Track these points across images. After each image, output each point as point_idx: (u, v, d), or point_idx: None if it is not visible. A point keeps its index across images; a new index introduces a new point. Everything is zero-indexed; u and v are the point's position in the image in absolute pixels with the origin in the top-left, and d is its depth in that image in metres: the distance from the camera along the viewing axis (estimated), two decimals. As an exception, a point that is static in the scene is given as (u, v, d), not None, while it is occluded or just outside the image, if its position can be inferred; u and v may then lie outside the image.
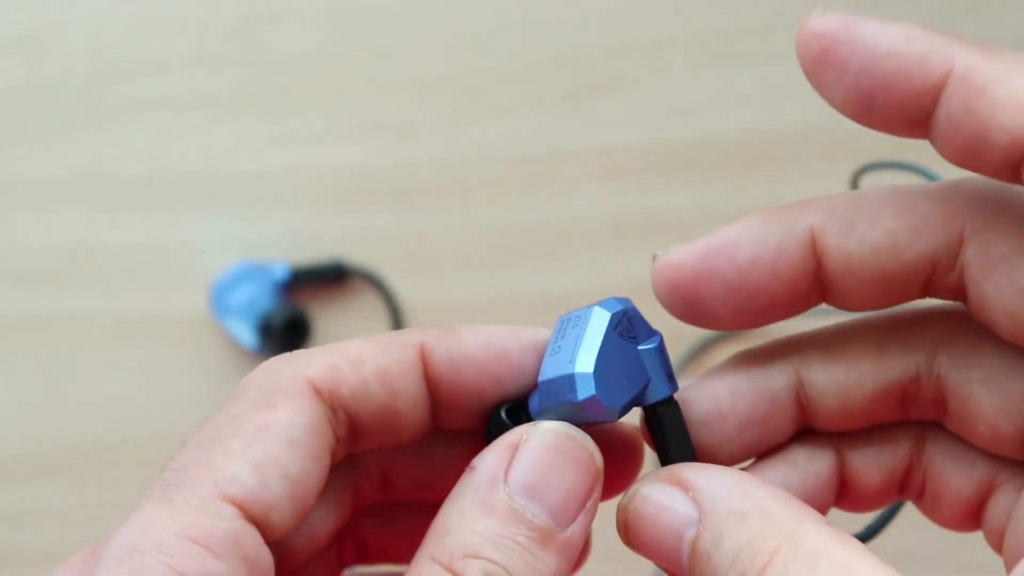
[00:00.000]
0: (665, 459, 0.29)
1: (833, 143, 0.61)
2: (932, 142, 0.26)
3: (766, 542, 0.25)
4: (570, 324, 0.28)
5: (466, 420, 0.30)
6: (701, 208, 0.60)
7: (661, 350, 0.28)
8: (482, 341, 0.29)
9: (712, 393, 0.29)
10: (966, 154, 0.25)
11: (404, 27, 0.62)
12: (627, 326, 0.28)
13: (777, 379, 0.29)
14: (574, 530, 0.27)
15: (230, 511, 0.25)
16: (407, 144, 0.61)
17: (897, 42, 0.27)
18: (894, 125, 0.27)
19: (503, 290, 0.60)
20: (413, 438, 0.30)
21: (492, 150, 0.61)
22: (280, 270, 0.60)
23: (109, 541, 0.25)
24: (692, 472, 0.27)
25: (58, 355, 0.60)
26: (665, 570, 0.27)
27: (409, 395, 0.28)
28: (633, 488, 0.28)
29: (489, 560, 0.26)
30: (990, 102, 0.25)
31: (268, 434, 0.26)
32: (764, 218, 0.29)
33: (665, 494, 0.27)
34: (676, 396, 0.29)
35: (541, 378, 0.28)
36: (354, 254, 0.60)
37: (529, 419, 0.29)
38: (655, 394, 0.28)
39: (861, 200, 0.29)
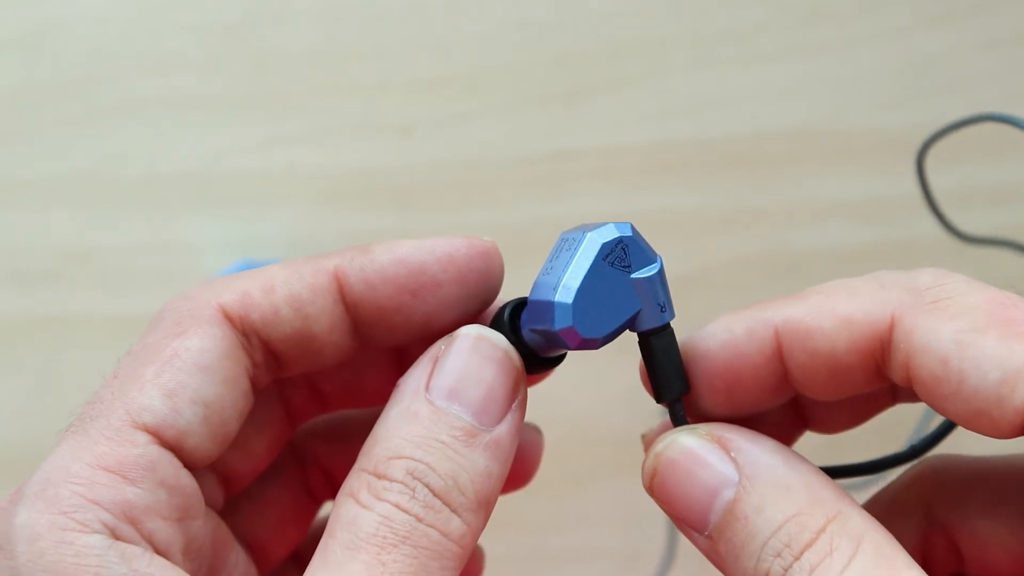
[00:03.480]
0: (654, 388, 0.29)
1: (833, 143, 0.61)
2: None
3: (814, 519, 0.25)
4: (565, 246, 0.28)
5: (392, 338, 0.30)
6: (701, 208, 0.60)
7: (657, 278, 0.28)
8: (396, 257, 0.29)
9: (728, 327, 0.28)
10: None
11: (404, 27, 0.62)
12: (620, 255, 0.28)
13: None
14: (502, 430, 0.27)
15: (143, 438, 0.26)
16: (407, 144, 0.61)
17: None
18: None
19: (503, 290, 0.60)
20: (338, 360, 0.30)
21: (492, 150, 0.61)
22: (280, 270, 0.59)
23: (30, 478, 0.26)
24: (735, 433, 0.27)
25: (58, 355, 0.60)
26: (684, 523, 0.27)
27: (323, 319, 0.29)
28: (669, 436, 0.28)
29: (411, 459, 0.26)
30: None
31: (179, 361, 0.27)
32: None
33: (705, 449, 0.27)
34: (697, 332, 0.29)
35: (531, 296, 0.29)
36: (354, 254, 0.60)
37: (519, 336, 0.29)
38: (645, 323, 0.28)
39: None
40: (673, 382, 0.28)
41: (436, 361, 0.28)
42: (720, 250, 0.59)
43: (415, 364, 0.28)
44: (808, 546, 0.25)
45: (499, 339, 0.28)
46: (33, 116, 0.62)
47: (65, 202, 0.61)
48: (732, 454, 0.27)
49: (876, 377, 0.27)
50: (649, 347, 0.28)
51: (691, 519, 0.27)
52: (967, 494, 0.29)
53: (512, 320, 0.29)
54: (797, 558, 0.25)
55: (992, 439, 0.25)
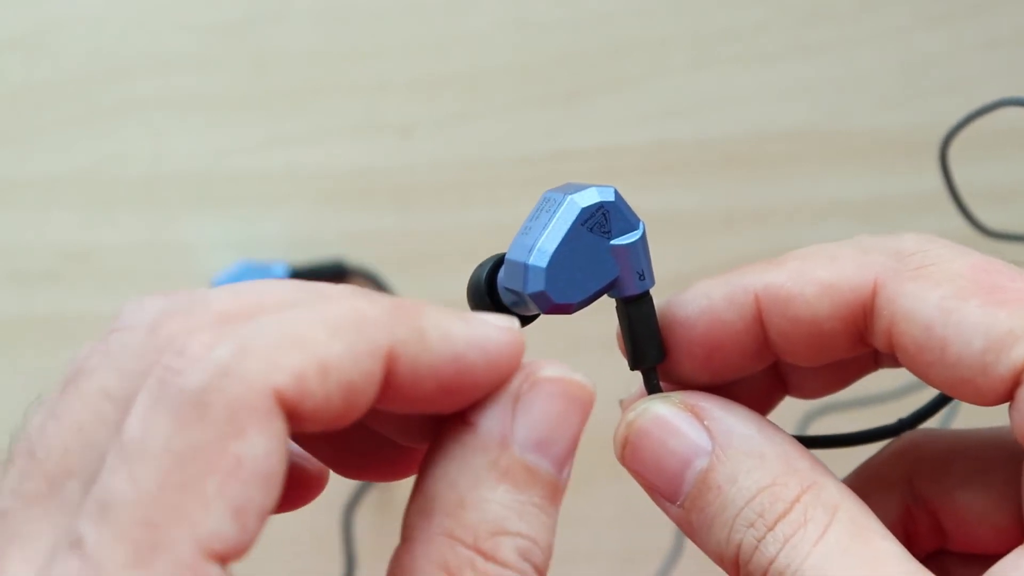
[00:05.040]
0: (629, 355, 0.28)
1: (833, 143, 0.61)
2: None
3: (788, 488, 0.25)
4: (547, 206, 0.28)
5: (397, 410, 0.26)
6: (701, 208, 0.60)
7: (638, 245, 0.27)
8: (451, 353, 0.25)
9: (707, 293, 0.28)
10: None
11: (404, 27, 0.62)
12: (600, 220, 0.27)
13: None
14: (567, 472, 0.26)
15: (215, 570, 0.22)
16: (407, 144, 0.61)
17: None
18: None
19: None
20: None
21: (492, 150, 0.61)
22: (280, 270, 0.59)
23: None
24: (709, 401, 0.27)
25: (58, 355, 0.60)
26: (657, 493, 0.27)
27: (364, 407, 0.25)
28: (641, 405, 0.27)
29: (519, 535, 0.24)
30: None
31: (244, 471, 0.23)
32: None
33: (678, 418, 0.27)
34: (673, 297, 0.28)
35: (508, 255, 0.28)
36: (354, 254, 0.60)
37: (495, 293, 0.28)
38: (623, 290, 0.28)
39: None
40: (649, 350, 0.28)
41: (517, 403, 0.25)
42: (720, 250, 0.59)
43: (490, 400, 0.25)
44: (782, 516, 0.25)
45: (585, 379, 0.26)
46: (33, 116, 0.62)
47: (65, 202, 0.61)
48: (706, 423, 0.26)
49: (858, 343, 0.27)
50: (626, 314, 0.28)
51: (663, 489, 0.26)
52: (948, 468, 0.29)
53: (490, 278, 0.28)
54: (771, 529, 0.25)
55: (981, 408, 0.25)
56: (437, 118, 0.61)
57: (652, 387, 0.28)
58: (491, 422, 0.25)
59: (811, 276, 0.27)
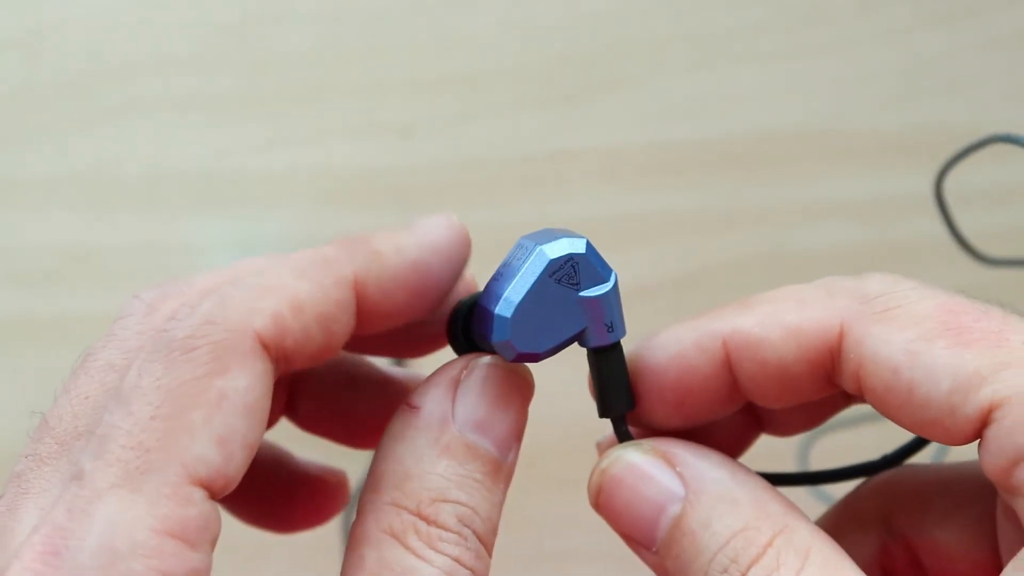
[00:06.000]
0: (598, 403, 0.29)
1: (833, 143, 0.61)
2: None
3: (760, 533, 0.25)
4: (520, 253, 0.28)
5: (377, 329, 0.29)
6: (701, 208, 0.60)
7: (608, 297, 0.28)
8: (407, 261, 0.28)
9: (676, 339, 0.28)
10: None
11: (404, 27, 0.62)
12: (569, 272, 0.27)
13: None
14: (512, 456, 0.27)
15: (199, 495, 0.24)
16: (407, 144, 0.61)
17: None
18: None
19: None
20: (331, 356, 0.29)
21: (492, 150, 0.61)
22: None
23: (74, 538, 0.23)
24: (681, 447, 0.27)
25: (58, 355, 0.60)
26: (632, 540, 0.27)
27: (343, 333, 0.27)
28: (614, 452, 0.28)
29: (458, 503, 0.26)
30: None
31: (228, 403, 0.25)
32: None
33: (650, 464, 0.27)
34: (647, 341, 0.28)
35: (480, 300, 0.28)
36: (354, 254, 0.60)
37: (468, 333, 0.29)
38: (591, 341, 0.28)
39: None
40: (618, 399, 0.28)
41: (457, 386, 0.27)
42: (720, 250, 0.59)
43: (432, 384, 0.27)
44: (755, 561, 0.25)
45: (525, 370, 0.28)
46: (33, 116, 0.62)
47: (65, 202, 0.61)
48: (678, 468, 0.27)
49: (826, 385, 0.27)
50: (595, 363, 0.28)
51: (638, 536, 0.27)
52: (925, 504, 0.29)
53: (467, 320, 0.29)
54: (744, 573, 0.25)
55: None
56: (437, 118, 0.61)
57: (621, 435, 0.29)
58: (433, 404, 0.27)
59: (778, 320, 0.27)
